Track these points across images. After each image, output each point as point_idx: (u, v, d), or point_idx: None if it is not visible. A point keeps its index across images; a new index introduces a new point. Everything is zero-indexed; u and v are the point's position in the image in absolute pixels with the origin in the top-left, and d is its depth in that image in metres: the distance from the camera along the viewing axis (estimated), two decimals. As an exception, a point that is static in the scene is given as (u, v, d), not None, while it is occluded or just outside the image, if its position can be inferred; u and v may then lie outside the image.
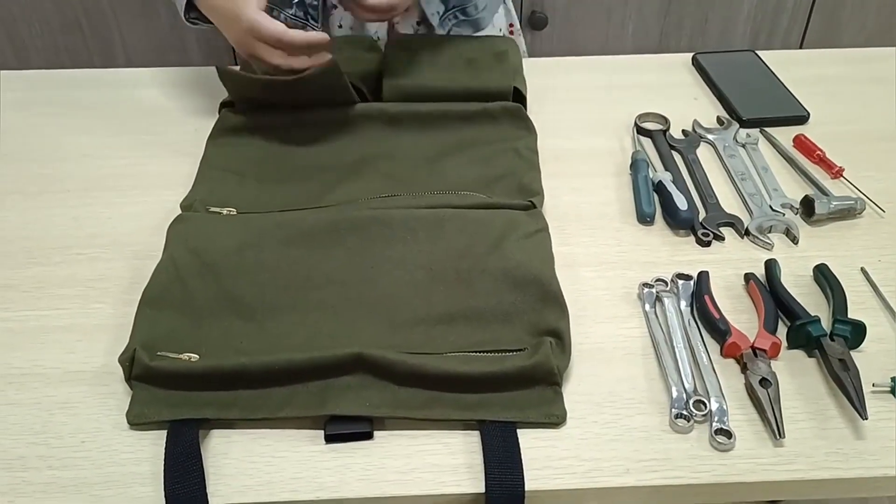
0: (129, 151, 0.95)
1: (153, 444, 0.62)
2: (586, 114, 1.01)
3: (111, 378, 0.67)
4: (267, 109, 0.94)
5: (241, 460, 0.62)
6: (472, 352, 0.67)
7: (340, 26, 1.14)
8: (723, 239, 0.82)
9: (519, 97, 0.97)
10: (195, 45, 1.76)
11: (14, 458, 0.62)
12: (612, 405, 0.65)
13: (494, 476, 0.60)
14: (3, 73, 1.10)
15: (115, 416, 0.65)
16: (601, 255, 0.80)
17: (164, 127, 0.99)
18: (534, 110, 0.98)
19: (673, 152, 0.94)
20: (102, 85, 1.07)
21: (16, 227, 0.84)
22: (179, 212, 0.82)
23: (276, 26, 0.83)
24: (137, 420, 0.63)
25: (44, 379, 0.68)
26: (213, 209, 0.82)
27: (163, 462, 0.60)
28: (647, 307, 0.74)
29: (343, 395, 0.64)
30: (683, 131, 0.98)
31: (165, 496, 0.58)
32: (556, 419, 0.64)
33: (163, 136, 0.97)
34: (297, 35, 0.84)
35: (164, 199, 0.86)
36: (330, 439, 0.63)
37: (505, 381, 0.65)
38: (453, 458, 0.62)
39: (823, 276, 0.76)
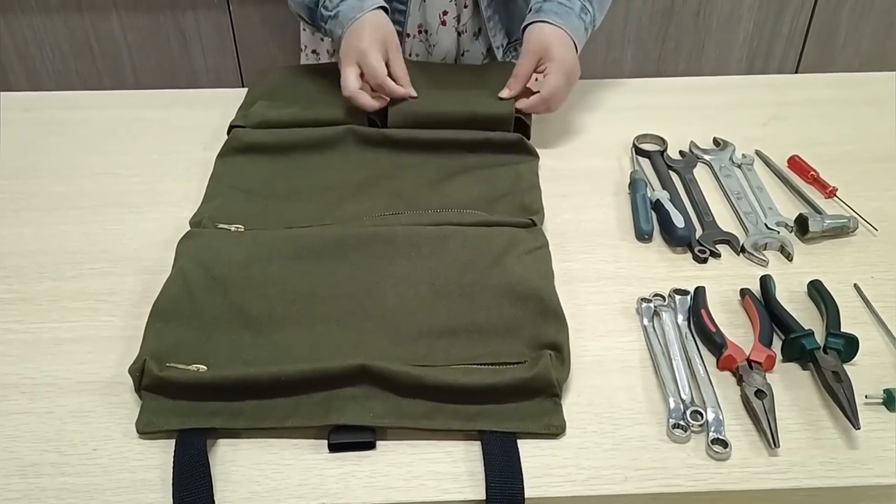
0: (140, 170, 0.97)
1: (162, 451, 0.64)
2: (586, 135, 1.04)
3: (121, 388, 0.69)
4: (274, 130, 0.97)
5: (248, 468, 0.63)
6: (474, 364, 0.69)
7: (410, 55, 1.16)
8: (719, 256, 0.84)
9: (523, 123, 0.99)
10: (203, 68, 1.80)
11: (28, 465, 0.63)
12: (610, 415, 0.67)
13: (495, 484, 0.61)
14: (17, 94, 1.13)
15: (125, 424, 0.66)
16: (600, 271, 0.82)
17: (174, 146, 1.01)
18: (536, 131, 1.01)
19: (670, 172, 0.96)
20: (113, 106, 1.10)
21: (29, 242, 0.86)
22: (189, 228, 0.84)
23: (382, 69, 0.95)
24: (147, 429, 0.65)
25: (56, 389, 0.69)
26: (221, 225, 0.84)
27: (172, 469, 0.61)
28: (645, 321, 0.75)
29: (347, 406, 0.66)
30: (681, 152, 1.00)
31: (174, 503, 0.60)
32: (555, 430, 0.65)
33: (172, 155, 1.00)
34: (393, 88, 0.97)
35: (173, 216, 0.88)
36: (333, 448, 0.64)
37: (505, 393, 0.66)
38: (455, 465, 0.63)
39: (817, 291, 0.77)
